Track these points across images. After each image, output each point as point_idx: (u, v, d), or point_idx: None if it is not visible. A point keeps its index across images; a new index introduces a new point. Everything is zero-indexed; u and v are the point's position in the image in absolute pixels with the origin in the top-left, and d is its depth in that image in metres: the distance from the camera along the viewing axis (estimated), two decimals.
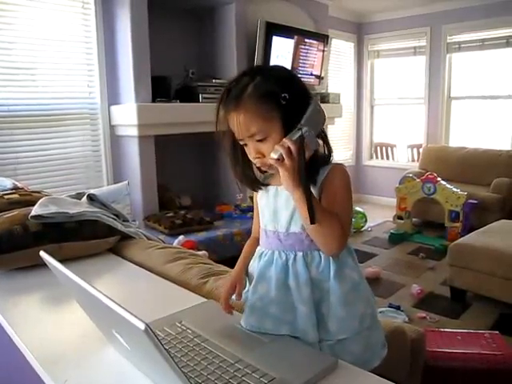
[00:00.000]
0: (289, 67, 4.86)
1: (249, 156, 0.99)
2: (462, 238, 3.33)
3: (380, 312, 2.85)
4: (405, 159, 6.56)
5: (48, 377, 0.85)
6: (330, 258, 0.97)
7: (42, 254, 0.84)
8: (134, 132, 3.67)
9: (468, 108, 5.74)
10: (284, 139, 0.90)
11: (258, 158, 0.96)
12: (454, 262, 3.17)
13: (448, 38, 5.56)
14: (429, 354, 1.84)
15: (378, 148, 6.83)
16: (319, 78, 5.36)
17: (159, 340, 0.54)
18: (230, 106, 0.95)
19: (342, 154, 6.52)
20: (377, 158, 6.82)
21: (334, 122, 5.71)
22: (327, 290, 0.97)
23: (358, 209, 5.21)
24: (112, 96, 3.79)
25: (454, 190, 4.50)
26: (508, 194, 4.60)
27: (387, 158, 6.77)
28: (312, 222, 0.88)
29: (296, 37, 4.84)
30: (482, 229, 3.44)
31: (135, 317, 0.54)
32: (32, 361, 0.92)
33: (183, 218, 3.78)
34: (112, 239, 1.61)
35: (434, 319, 2.91)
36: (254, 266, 1.04)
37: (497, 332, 2.18)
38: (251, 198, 4.58)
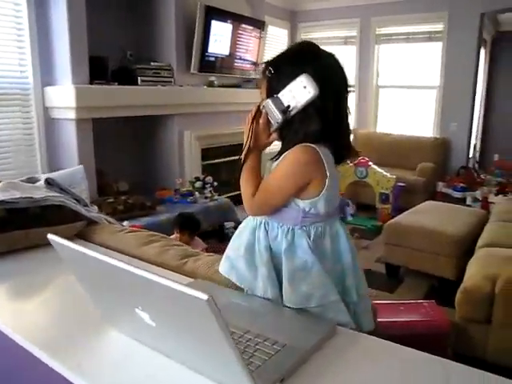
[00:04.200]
0: (226, 52, 4.88)
1: None
2: (395, 218, 3.59)
3: None
4: None
5: (58, 364, 0.84)
6: (284, 234, 1.04)
7: (50, 236, 0.83)
8: (72, 115, 3.51)
9: (395, 97, 6.11)
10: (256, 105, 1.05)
11: None
12: (389, 240, 3.42)
13: (377, 29, 5.86)
14: (379, 325, 2.00)
15: None
16: (255, 64, 5.41)
17: (220, 311, 0.57)
18: None
19: None
20: None
21: None
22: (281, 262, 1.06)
23: None
24: (46, 76, 3.58)
25: (384, 173, 4.80)
26: (431, 177, 5.00)
27: None
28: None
29: (234, 22, 4.85)
30: (411, 209, 3.72)
31: (193, 289, 0.57)
32: (36, 351, 0.89)
33: (124, 204, 3.71)
34: (79, 224, 1.57)
35: (372, 294, 3.12)
36: None
37: (433, 301, 2.42)
38: (191, 183, 4.57)
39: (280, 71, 1.04)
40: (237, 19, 4.88)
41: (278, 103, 1.00)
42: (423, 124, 5.87)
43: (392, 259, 3.43)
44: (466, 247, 3.11)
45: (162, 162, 4.64)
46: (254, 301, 1.06)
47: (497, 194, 4.80)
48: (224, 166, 5.33)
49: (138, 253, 1.43)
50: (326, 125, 1.01)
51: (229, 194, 5.16)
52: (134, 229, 1.66)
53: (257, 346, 0.84)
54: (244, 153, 1.06)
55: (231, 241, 1.14)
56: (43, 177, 1.88)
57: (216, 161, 5.14)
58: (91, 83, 3.60)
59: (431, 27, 5.51)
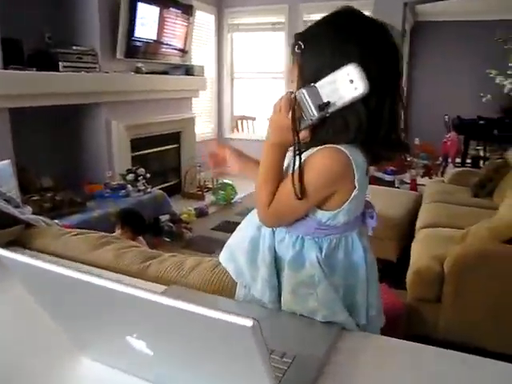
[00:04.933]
0: (154, 37, 4.62)
1: None
2: None
3: None
4: (264, 132, 6.79)
5: None
6: (292, 241, 0.91)
7: (3, 251, 0.66)
8: None
9: None
10: (288, 92, 0.85)
11: None
12: None
13: (305, 15, 5.82)
14: None
15: (239, 121, 6.95)
16: (183, 51, 5.20)
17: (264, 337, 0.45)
18: None
19: (204, 127, 6.44)
20: (238, 131, 6.94)
21: (198, 94, 5.67)
22: (284, 267, 0.94)
23: (226, 181, 5.29)
24: None
25: None
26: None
27: (248, 130, 6.94)
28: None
29: (161, 5, 4.60)
30: None
31: (233, 314, 0.45)
32: None
33: (52, 201, 3.42)
34: (16, 229, 1.35)
35: None
36: None
37: (384, 283, 2.44)
38: (122, 176, 4.30)
39: (315, 47, 0.84)
40: (164, 2, 4.64)
41: (315, 96, 0.79)
42: None
43: None
44: (406, 229, 3.20)
45: (88, 154, 4.32)
46: (244, 307, 0.95)
47: (423, 176, 5.04)
48: (155, 156, 5.11)
49: (90, 258, 1.26)
50: (368, 124, 0.81)
51: (161, 186, 4.97)
52: (80, 231, 1.47)
53: None
54: (268, 148, 0.91)
55: (235, 231, 1.04)
56: None
57: (146, 151, 4.92)
58: (5, 69, 3.23)
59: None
